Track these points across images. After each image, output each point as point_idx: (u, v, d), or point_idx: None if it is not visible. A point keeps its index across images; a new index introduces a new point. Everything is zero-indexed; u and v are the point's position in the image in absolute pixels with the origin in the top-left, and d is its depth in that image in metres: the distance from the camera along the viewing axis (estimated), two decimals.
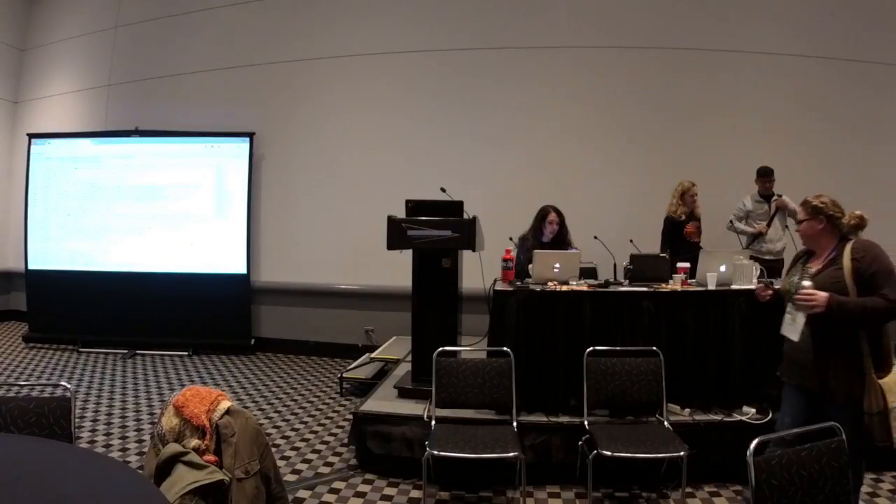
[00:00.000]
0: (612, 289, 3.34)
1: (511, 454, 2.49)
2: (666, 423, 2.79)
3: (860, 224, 2.27)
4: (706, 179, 5.31)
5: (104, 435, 3.57)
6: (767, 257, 4.59)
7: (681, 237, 4.62)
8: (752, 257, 3.93)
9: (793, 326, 2.27)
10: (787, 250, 4.64)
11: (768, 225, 4.66)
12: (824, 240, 2.27)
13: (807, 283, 2.18)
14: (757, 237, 4.69)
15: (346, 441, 3.46)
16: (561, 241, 4.09)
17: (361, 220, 5.47)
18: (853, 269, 2.14)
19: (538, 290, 3.21)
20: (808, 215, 2.29)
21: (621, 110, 5.49)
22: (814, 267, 2.27)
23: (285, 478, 2.90)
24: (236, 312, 5.90)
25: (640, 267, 3.54)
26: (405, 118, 5.75)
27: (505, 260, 3.51)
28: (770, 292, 2.41)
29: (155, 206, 5.90)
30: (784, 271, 2.39)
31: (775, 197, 4.65)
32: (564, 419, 3.02)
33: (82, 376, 4.92)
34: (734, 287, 3.23)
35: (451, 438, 2.61)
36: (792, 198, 4.48)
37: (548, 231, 4.08)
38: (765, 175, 4.63)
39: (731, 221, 4.83)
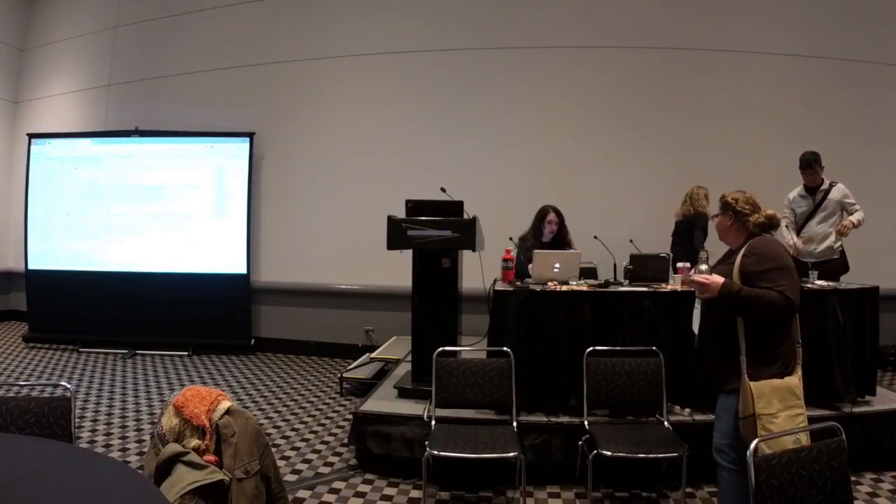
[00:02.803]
0: (612, 289, 3.34)
1: (511, 454, 2.48)
2: (666, 423, 2.79)
3: (769, 223, 2.21)
4: (706, 179, 5.32)
5: (104, 435, 3.57)
6: (807, 260, 3.98)
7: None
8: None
9: (695, 319, 2.31)
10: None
11: (806, 221, 4.11)
12: (732, 236, 2.26)
13: (703, 266, 2.19)
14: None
15: (346, 441, 3.46)
16: (561, 241, 4.09)
17: (361, 220, 5.47)
18: (741, 265, 2.11)
19: (538, 290, 3.21)
20: (720, 210, 2.31)
21: (621, 110, 5.50)
22: (724, 261, 2.29)
23: (285, 478, 2.90)
24: (236, 312, 5.90)
25: (640, 267, 3.54)
26: (405, 118, 5.75)
27: (505, 260, 3.51)
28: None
29: (155, 206, 5.90)
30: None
31: (826, 185, 4.03)
32: (564, 419, 3.02)
33: (82, 376, 4.92)
34: None
35: (451, 438, 2.61)
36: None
37: (547, 231, 4.08)
38: (805, 165, 4.00)
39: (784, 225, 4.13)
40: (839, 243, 4.11)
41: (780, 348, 2.08)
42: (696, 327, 2.30)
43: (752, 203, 2.25)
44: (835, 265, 4.03)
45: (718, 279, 2.08)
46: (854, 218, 3.97)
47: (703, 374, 2.22)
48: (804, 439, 1.92)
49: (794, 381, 2.06)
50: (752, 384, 2.01)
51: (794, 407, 2.02)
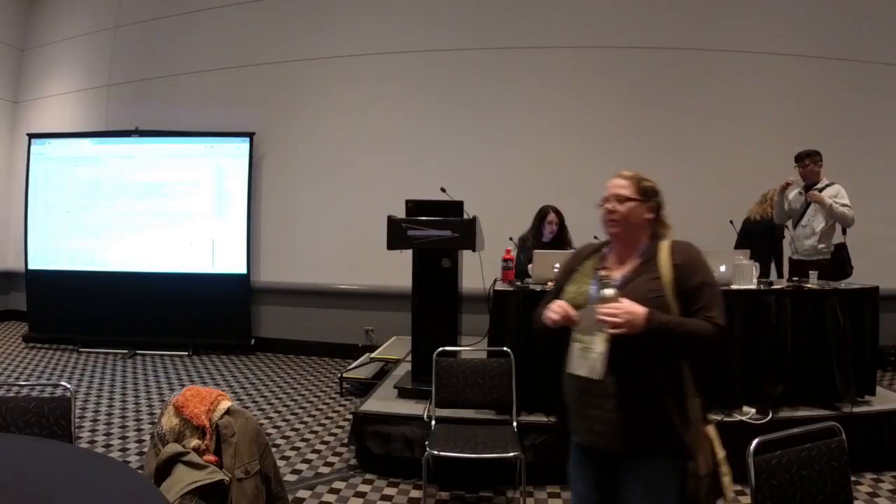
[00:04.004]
0: None
1: (511, 454, 2.48)
2: None
3: (670, 225, 1.77)
4: (706, 179, 5.33)
5: (104, 435, 3.57)
6: (796, 257, 4.11)
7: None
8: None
9: (586, 358, 1.58)
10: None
11: (800, 218, 4.10)
12: (642, 234, 1.69)
13: (609, 291, 1.52)
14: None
15: (346, 441, 3.46)
16: (561, 241, 4.09)
17: (361, 220, 5.47)
18: (675, 278, 1.56)
19: (538, 290, 3.21)
20: (636, 194, 1.68)
21: (621, 110, 5.50)
22: (616, 271, 1.64)
23: (285, 478, 2.90)
24: (236, 312, 5.90)
25: None
26: (405, 118, 5.75)
27: (505, 260, 3.51)
28: (568, 314, 1.59)
29: (155, 204, 5.90)
30: (565, 273, 1.79)
31: (823, 184, 4.00)
32: None
33: (82, 376, 4.92)
34: (734, 287, 3.23)
35: (451, 438, 2.61)
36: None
37: (547, 231, 4.09)
38: (796, 159, 4.03)
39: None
40: (823, 245, 4.05)
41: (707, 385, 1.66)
42: (578, 367, 1.62)
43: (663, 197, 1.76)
44: (824, 266, 3.91)
45: (640, 309, 1.47)
46: (834, 203, 3.88)
47: (623, 435, 1.55)
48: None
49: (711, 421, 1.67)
50: (710, 429, 1.60)
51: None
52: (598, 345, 1.54)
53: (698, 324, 1.51)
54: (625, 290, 1.54)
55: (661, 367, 1.55)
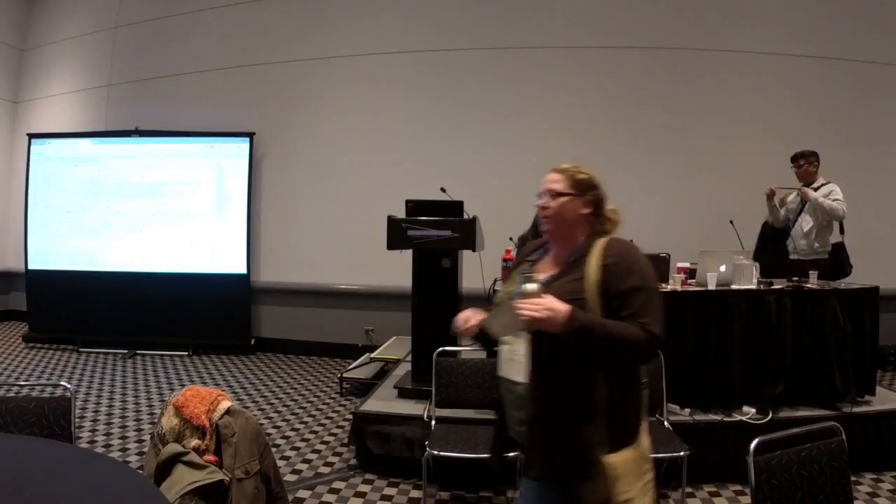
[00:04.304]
0: None
1: (511, 454, 2.48)
2: (666, 423, 2.79)
3: (618, 221, 1.63)
4: (706, 179, 5.33)
5: (104, 435, 3.57)
6: (792, 257, 4.15)
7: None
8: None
9: (514, 361, 1.45)
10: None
11: (796, 218, 4.13)
12: (578, 231, 1.55)
13: (531, 286, 1.40)
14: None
15: (346, 441, 3.46)
16: None
17: (361, 220, 5.47)
18: (601, 280, 1.41)
19: None
20: (569, 188, 1.56)
21: (621, 110, 5.50)
22: (545, 270, 1.54)
23: (285, 478, 2.90)
24: (236, 312, 5.90)
25: None
26: (405, 118, 5.75)
27: (505, 260, 3.51)
28: (468, 320, 1.54)
29: (155, 204, 5.90)
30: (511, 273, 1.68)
31: (818, 183, 4.02)
32: None
33: (82, 376, 4.92)
34: (734, 287, 3.23)
35: (451, 438, 2.61)
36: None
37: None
38: (792, 160, 4.07)
39: None
40: (819, 244, 4.07)
41: (640, 399, 1.49)
42: (508, 370, 1.48)
43: (604, 190, 1.62)
44: (822, 265, 3.90)
45: (561, 306, 1.34)
46: (820, 197, 3.91)
47: (532, 451, 1.47)
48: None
49: (646, 440, 1.49)
50: (613, 459, 1.37)
51: (646, 473, 1.46)
52: (521, 347, 1.43)
53: (627, 328, 1.35)
54: (548, 289, 1.41)
55: (580, 377, 1.39)
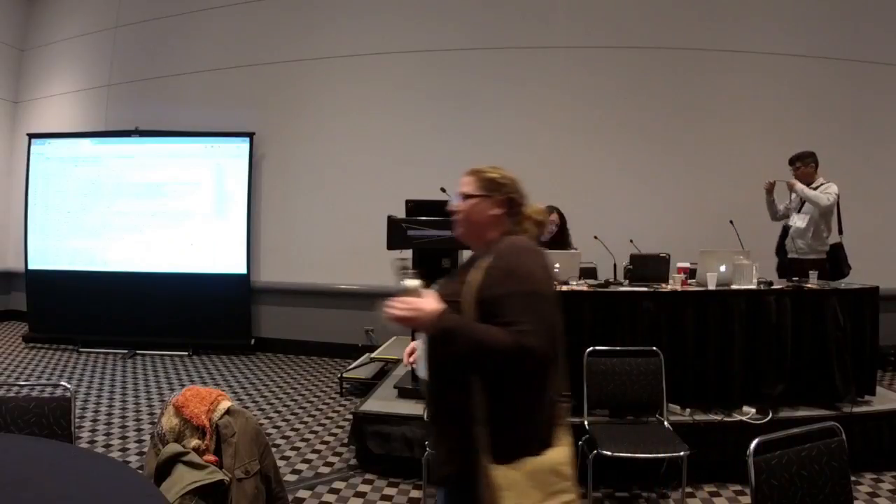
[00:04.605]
0: (612, 289, 3.34)
1: None
2: (666, 423, 2.79)
3: (543, 223, 1.57)
4: (706, 179, 5.33)
5: (104, 435, 3.57)
6: (790, 255, 4.19)
7: None
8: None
9: (420, 358, 1.48)
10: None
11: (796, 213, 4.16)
12: (490, 232, 1.49)
13: (408, 283, 1.40)
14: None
15: (346, 441, 3.46)
16: (560, 241, 4.09)
17: (361, 220, 5.47)
18: (481, 283, 1.35)
19: None
20: (480, 189, 1.50)
21: (621, 110, 5.49)
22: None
23: (285, 478, 2.90)
24: (236, 312, 5.90)
25: (640, 267, 3.54)
26: (405, 118, 5.75)
27: None
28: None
29: (155, 204, 5.91)
30: None
31: (818, 183, 4.03)
32: None
33: (82, 376, 4.92)
34: (734, 287, 3.23)
35: None
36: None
37: (547, 231, 4.08)
38: (790, 163, 4.11)
39: None
40: (816, 243, 4.08)
41: (537, 413, 1.37)
42: (420, 371, 1.51)
43: (522, 188, 1.55)
44: (819, 265, 3.90)
45: (431, 306, 1.32)
46: (806, 189, 3.95)
47: (432, 451, 1.47)
48: None
49: (559, 455, 1.38)
50: (498, 470, 1.31)
51: (562, 493, 1.36)
52: (421, 345, 1.39)
53: (495, 335, 1.26)
54: (440, 290, 1.40)
55: (451, 380, 1.35)
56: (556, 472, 1.35)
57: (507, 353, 1.25)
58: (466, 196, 1.50)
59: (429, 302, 1.33)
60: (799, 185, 4.00)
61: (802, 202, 4.11)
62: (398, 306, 1.33)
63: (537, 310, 1.30)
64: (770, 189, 4.21)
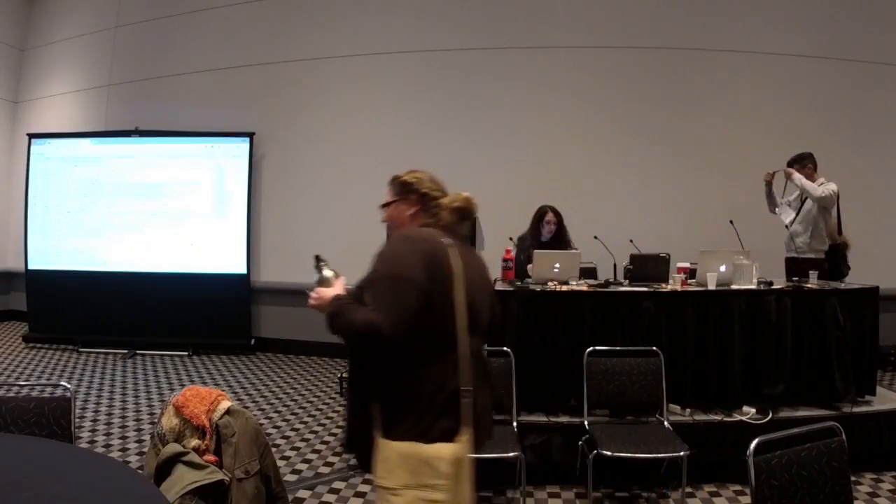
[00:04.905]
0: (612, 289, 3.34)
1: (511, 454, 2.48)
2: (666, 423, 2.79)
3: (466, 209, 1.64)
4: (706, 179, 5.33)
5: (104, 435, 3.57)
6: (788, 255, 4.20)
7: None
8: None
9: None
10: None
11: (794, 215, 4.17)
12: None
13: (328, 273, 1.60)
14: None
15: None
16: (559, 240, 4.09)
17: (361, 219, 5.44)
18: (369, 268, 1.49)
19: (538, 289, 3.21)
20: (394, 194, 1.66)
21: (621, 110, 5.50)
22: None
23: (285, 478, 2.90)
24: (236, 312, 5.90)
25: (640, 267, 3.54)
26: (405, 118, 5.75)
27: (505, 260, 3.51)
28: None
29: (155, 204, 5.91)
30: None
31: (818, 183, 4.01)
32: (564, 419, 3.02)
33: (82, 376, 4.92)
34: (734, 287, 3.23)
35: None
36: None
37: (545, 231, 4.09)
38: (788, 166, 4.12)
39: None
40: (815, 242, 4.08)
41: (414, 400, 1.41)
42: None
43: (438, 184, 1.69)
44: (817, 264, 3.89)
45: (328, 294, 1.51)
46: (803, 179, 3.95)
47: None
48: None
49: (444, 450, 1.38)
50: (382, 442, 1.42)
51: (432, 488, 1.37)
52: None
53: (355, 315, 1.40)
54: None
55: (358, 361, 1.51)
56: (430, 465, 1.37)
57: (359, 333, 1.38)
58: (385, 204, 1.68)
59: (329, 290, 1.52)
60: (796, 175, 4.00)
61: (802, 202, 4.12)
62: (312, 296, 1.53)
63: (394, 292, 1.39)
64: (770, 181, 4.21)
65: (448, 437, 1.40)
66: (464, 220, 1.64)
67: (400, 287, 1.40)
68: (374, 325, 1.35)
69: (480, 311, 1.55)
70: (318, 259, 1.64)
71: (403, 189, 1.64)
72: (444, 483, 1.38)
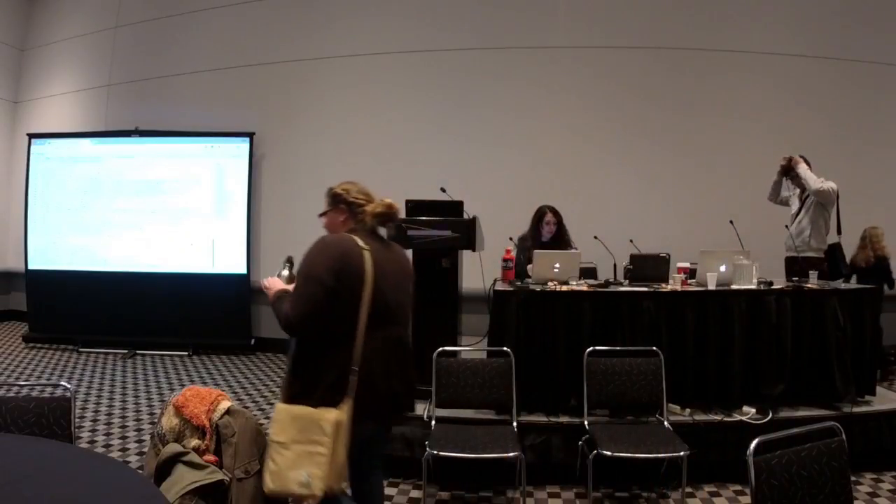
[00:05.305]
0: (612, 289, 3.33)
1: (511, 454, 2.48)
2: (666, 423, 2.79)
3: (387, 213, 1.90)
4: (706, 179, 5.33)
5: (104, 435, 3.57)
6: (787, 254, 4.20)
7: None
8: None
9: None
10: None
11: (795, 215, 4.18)
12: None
13: (285, 273, 1.99)
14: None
15: None
16: (559, 240, 4.09)
17: None
18: None
19: (538, 290, 3.21)
20: (328, 205, 2.00)
21: (621, 110, 5.50)
22: None
23: None
24: (236, 312, 5.90)
25: (640, 267, 3.54)
26: (405, 118, 5.75)
27: (505, 260, 3.51)
28: None
29: (155, 201, 5.91)
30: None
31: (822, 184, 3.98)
32: (564, 419, 3.02)
33: (82, 376, 4.92)
34: (734, 287, 3.23)
35: (451, 438, 2.61)
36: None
37: (545, 231, 4.09)
38: (785, 173, 4.15)
39: None
40: (815, 241, 4.08)
41: (315, 376, 1.74)
42: None
43: (366, 193, 1.95)
44: (815, 263, 3.89)
45: (278, 285, 1.87)
46: (810, 173, 3.94)
47: None
48: (317, 486, 1.65)
49: (331, 415, 1.67)
50: (280, 406, 1.75)
51: (317, 443, 1.67)
52: None
53: (282, 307, 1.74)
54: None
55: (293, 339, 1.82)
56: (317, 425, 1.67)
57: (280, 320, 1.74)
58: (323, 214, 2.02)
59: (279, 284, 1.88)
60: (802, 165, 3.98)
61: (804, 200, 4.12)
62: (265, 283, 1.92)
63: (304, 290, 1.73)
64: (786, 165, 4.11)
65: (333, 404, 1.68)
66: (387, 223, 1.93)
67: (309, 286, 1.72)
68: (287, 315, 1.72)
69: (397, 304, 1.85)
70: (289, 260, 2.03)
71: (335, 200, 1.97)
72: (327, 440, 1.66)
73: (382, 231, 1.96)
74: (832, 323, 3.14)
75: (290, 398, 1.74)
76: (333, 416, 1.66)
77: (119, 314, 5.83)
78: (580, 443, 2.76)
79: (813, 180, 3.94)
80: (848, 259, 4.50)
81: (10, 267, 6.95)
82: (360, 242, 1.80)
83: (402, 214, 3.41)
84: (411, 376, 1.96)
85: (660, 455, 2.53)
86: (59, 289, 5.99)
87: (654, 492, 2.85)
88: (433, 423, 2.79)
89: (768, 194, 4.37)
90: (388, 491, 2.91)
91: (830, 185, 3.94)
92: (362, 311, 1.73)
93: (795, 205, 4.21)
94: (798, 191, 4.18)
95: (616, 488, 2.87)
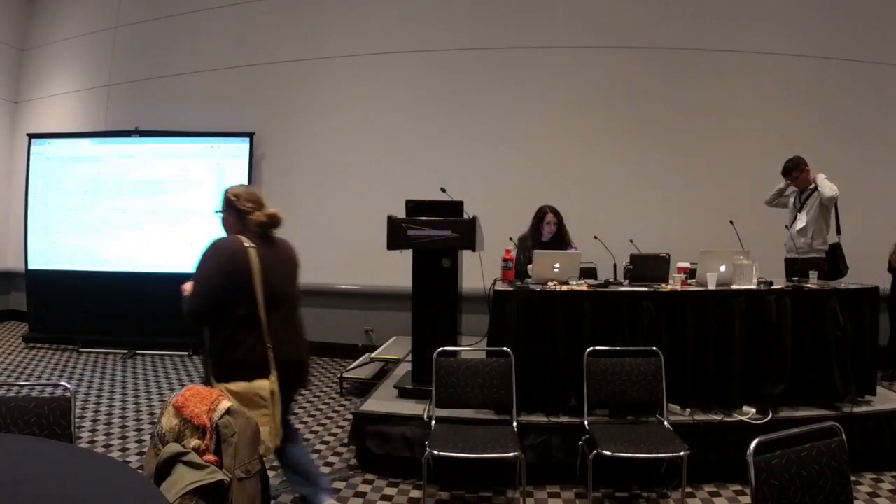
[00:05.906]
0: (612, 289, 3.34)
1: (511, 454, 2.48)
2: (666, 423, 2.79)
3: (269, 223, 2.24)
4: (706, 179, 5.33)
5: (104, 435, 3.57)
6: (788, 255, 4.22)
7: None
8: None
9: None
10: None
11: (794, 219, 4.19)
12: (233, 234, 2.24)
13: None
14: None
15: (346, 441, 3.46)
16: (559, 240, 4.10)
17: (361, 220, 5.47)
18: None
19: (538, 290, 3.21)
20: (223, 207, 2.26)
21: (621, 110, 5.50)
22: None
23: None
24: None
25: (640, 267, 3.54)
26: (405, 118, 5.75)
27: (505, 260, 3.51)
28: None
29: (155, 201, 5.91)
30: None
31: (811, 186, 4.06)
32: (564, 419, 3.02)
33: (82, 376, 4.92)
34: (734, 287, 3.23)
35: (451, 438, 2.61)
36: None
37: (546, 231, 4.09)
38: (784, 173, 4.15)
39: None
40: (817, 242, 4.08)
41: (238, 358, 2.08)
42: None
43: (255, 200, 2.23)
44: (816, 264, 3.90)
45: (188, 286, 2.14)
46: (825, 179, 3.95)
47: None
48: (269, 441, 2.04)
49: (262, 384, 2.07)
50: (221, 385, 2.04)
51: (261, 408, 2.05)
52: None
53: (184, 303, 2.10)
54: None
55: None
56: (258, 395, 2.05)
57: (184, 314, 2.09)
58: (218, 212, 2.25)
59: (189, 286, 2.14)
60: (821, 176, 3.98)
61: (804, 202, 4.12)
62: (184, 287, 2.15)
63: (199, 287, 2.11)
64: (795, 177, 4.14)
65: (263, 376, 2.07)
66: (272, 227, 2.27)
67: (202, 283, 2.09)
68: (186, 309, 2.09)
69: (285, 290, 2.24)
70: None
71: (227, 204, 2.22)
72: (268, 402, 2.06)
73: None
74: (832, 323, 3.14)
75: (226, 378, 2.05)
76: (268, 385, 2.06)
77: (119, 314, 5.83)
78: (580, 443, 2.76)
79: (828, 188, 3.94)
80: (849, 260, 4.50)
81: (10, 267, 6.95)
82: (247, 243, 2.12)
83: (403, 214, 3.43)
84: (306, 346, 2.36)
85: (660, 455, 2.53)
86: (59, 289, 5.99)
87: (654, 492, 2.85)
88: (433, 423, 2.79)
89: (768, 198, 4.36)
90: (388, 491, 2.91)
91: (836, 189, 3.96)
92: (258, 297, 2.07)
93: (791, 203, 4.21)
94: (797, 191, 4.18)
95: (616, 488, 2.87)
